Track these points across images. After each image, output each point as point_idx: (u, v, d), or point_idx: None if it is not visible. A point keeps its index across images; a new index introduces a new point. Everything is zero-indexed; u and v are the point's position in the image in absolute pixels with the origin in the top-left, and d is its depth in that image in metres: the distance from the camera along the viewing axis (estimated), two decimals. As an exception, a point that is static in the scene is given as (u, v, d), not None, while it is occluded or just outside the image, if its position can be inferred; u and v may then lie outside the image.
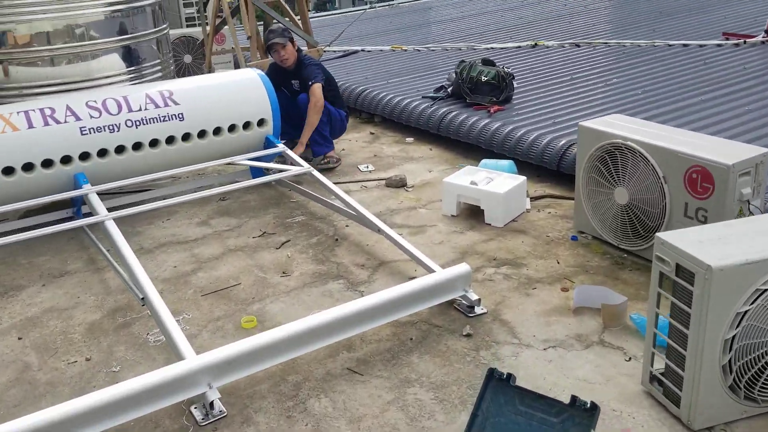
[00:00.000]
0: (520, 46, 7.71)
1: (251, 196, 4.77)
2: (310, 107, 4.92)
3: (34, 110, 4.03)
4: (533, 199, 4.43)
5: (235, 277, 3.64)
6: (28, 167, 3.98)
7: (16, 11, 4.36)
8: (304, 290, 3.48)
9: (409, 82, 6.56)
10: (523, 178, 4.25)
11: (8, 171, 3.93)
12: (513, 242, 3.90)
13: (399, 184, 4.79)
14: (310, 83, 4.94)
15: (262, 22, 7.06)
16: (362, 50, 8.05)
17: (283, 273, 3.66)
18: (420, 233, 4.08)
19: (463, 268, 3.19)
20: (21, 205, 3.96)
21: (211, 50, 7.07)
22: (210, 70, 7.21)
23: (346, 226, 4.19)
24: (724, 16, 8.62)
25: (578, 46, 7.58)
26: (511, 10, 10.07)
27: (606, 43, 7.59)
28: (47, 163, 4.03)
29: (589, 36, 8.06)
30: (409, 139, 5.77)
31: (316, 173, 4.22)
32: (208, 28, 7.05)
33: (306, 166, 4.29)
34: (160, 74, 5.24)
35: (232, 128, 4.57)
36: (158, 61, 5.19)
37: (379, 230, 3.70)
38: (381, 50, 7.99)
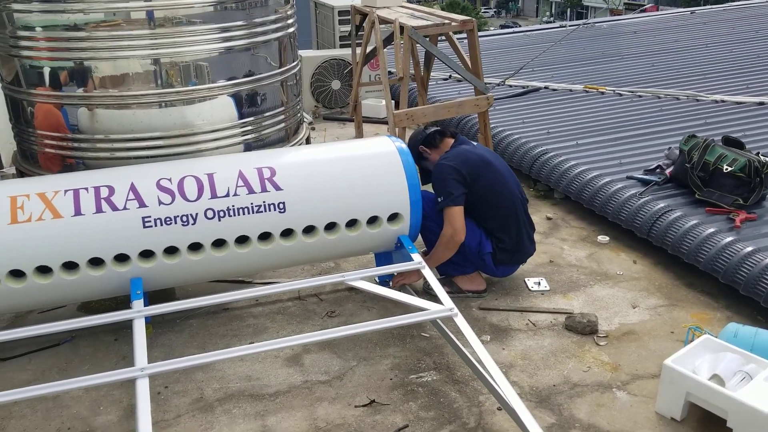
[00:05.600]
0: (763, 102, 5.70)
1: (368, 313, 3.43)
2: (441, 239, 3.33)
3: (86, 190, 2.95)
4: (816, 404, 2.67)
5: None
6: (69, 266, 2.92)
7: (98, 45, 3.31)
8: None
9: (607, 147, 4.88)
10: (809, 381, 2.52)
11: (44, 270, 2.89)
12: None
13: (586, 329, 3.21)
14: (439, 200, 3.34)
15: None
16: (545, 88, 6.42)
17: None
18: (618, 453, 2.50)
19: None
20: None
21: (359, 80, 5.82)
22: (356, 104, 5.99)
23: (498, 409, 2.71)
24: None
25: None
26: (748, 43, 7.82)
27: None
28: (96, 263, 2.94)
29: None
30: (603, 239, 4.13)
31: (461, 322, 2.76)
32: (358, 53, 5.81)
33: (448, 306, 2.84)
34: (282, 125, 4.05)
35: (351, 224, 3.24)
36: (281, 108, 3.99)
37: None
38: (570, 90, 6.31)
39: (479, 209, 3.42)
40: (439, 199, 3.34)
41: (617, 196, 4.11)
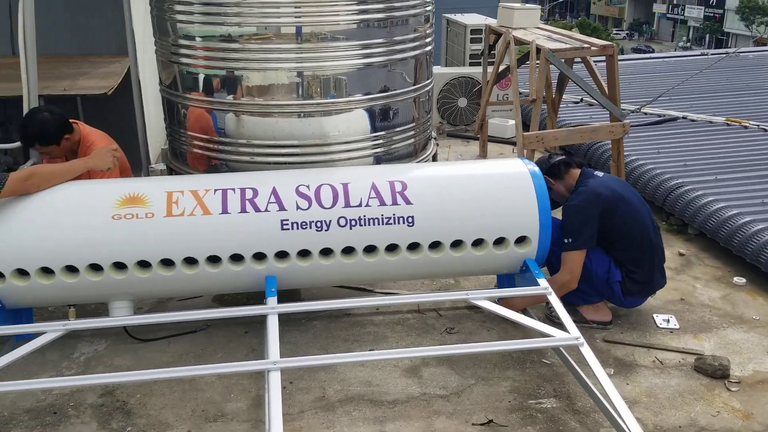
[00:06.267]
0: None
1: (488, 333, 3.44)
2: (554, 282, 3.24)
3: (233, 190, 3.16)
4: None
5: None
6: (213, 260, 3.13)
7: (249, 56, 3.52)
8: None
9: (749, 184, 4.62)
10: None
11: (191, 262, 3.12)
12: None
13: (717, 372, 3.06)
14: (567, 241, 3.30)
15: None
16: (683, 118, 6.16)
17: None
18: None
19: None
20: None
21: (488, 99, 5.85)
22: (482, 123, 6.02)
23: (619, 445, 2.64)
24: None
25: None
26: None
27: None
28: (236, 258, 3.14)
29: None
30: (739, 280, 3.91)
31: (587, 352, 2.72)
32: (489, 71, 5.84)
33: (575, 335, 2.80)
34: (412, 140, 4.12)
35: (477, 243, 3.26)
36: (412, 124, 4.06)
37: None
38: (710, 122, 6.03)
39: (609, 241, 3.36)
40: (567, 240, 3.29)
41: (758, 236, 3.89)
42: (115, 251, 3.03)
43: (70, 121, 3.80)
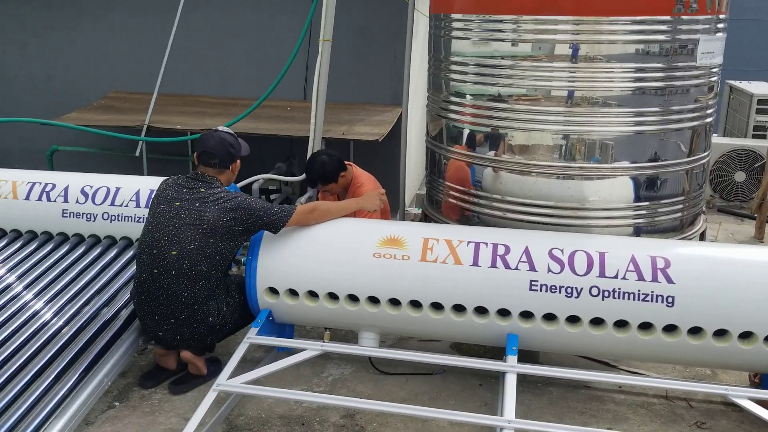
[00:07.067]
0: None
1: (750, 439, 3.05)
2: None
3: (485, 244, 3.23)
4: None
5: None
6: (458, 309, 3.22)
7: (516, 116, 3.59)
8: None
9: None
10: None
11: (437, 306, 3.23)
12: None
13: None
14: None
15: None
16: None
17: None
18: None
19: None
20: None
21: (773, 178, 5.26)
22: (762, 202, 5.42)
23: None
24: None
25: None
26: None
27: None
28: (481, 311, 3.19)
29: None
30: None
31: None
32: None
33: None
34: (679, 214, 3.84)
35: (746, 336, 2.93)
36: (681, 198, 3.79)
37: None
38: None
39: None
40: None
41: None
42: (372, 286, 3.26)
43: (345, 162, 4.23)
